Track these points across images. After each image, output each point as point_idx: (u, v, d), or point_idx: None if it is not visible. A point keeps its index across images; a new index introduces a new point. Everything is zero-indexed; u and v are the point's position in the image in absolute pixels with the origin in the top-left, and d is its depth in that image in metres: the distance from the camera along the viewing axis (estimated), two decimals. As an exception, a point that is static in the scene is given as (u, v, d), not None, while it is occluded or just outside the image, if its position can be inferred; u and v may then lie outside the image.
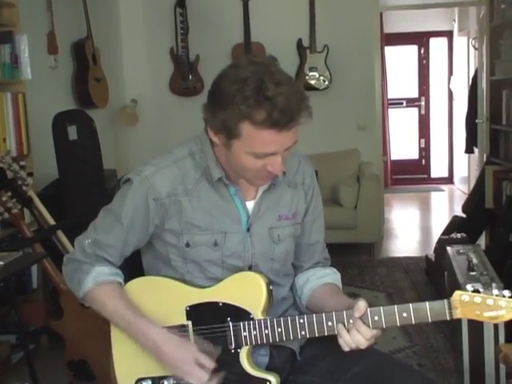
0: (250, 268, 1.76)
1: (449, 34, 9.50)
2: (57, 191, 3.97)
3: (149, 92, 6.34)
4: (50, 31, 4.64)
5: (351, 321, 1.58)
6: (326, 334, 1.62)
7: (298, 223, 1.85)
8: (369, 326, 1.57)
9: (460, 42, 8.80)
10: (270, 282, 1.68)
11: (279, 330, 1.63)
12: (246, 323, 1.64)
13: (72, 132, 3.96)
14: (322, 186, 5.71)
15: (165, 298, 1.72)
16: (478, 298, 1.52)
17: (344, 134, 6.31)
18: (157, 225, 1.73)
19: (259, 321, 1.64)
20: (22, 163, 3.65)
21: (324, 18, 6.14)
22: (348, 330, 1.58)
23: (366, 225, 5.64)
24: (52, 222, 3.47)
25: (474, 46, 6.62)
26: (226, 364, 1.65)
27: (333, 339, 1.71)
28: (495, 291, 1.51)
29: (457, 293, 1.54)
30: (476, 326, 3.05)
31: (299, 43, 6.15)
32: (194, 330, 1.69)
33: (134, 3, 6.32)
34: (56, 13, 4.66)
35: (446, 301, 1.54)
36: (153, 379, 1.70)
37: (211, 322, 1.66)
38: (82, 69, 5.12)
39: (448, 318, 1.54)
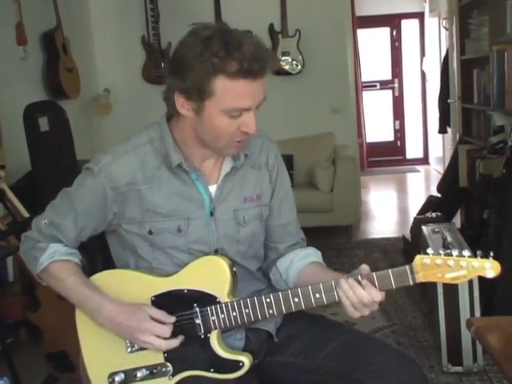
0: (216, 252, 1.74)
1: (420, 16, 9.54)
2: (30, 183, 3.93)
3: (121, 81, 6.29)
4: (19, 22, 4.57)
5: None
6: (293, 310, 1.62)
7: (265, 205, 1.83)
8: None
9: (431, 22, 8.82)
10: (233, 264, 1.67)
11: (246, 311, 1.62)
12: (213, 307, 1.63)
13: (43, 123, 3.93)
14: (298, 170, 5.79)
15: (129, 291, 1.69)
16: (439, 261, 1.52)
17: (318, 117, 6.29)
18: (115, 213, 1.72)
19: (226, 304, 1.63)
20: (-7, 156, 3.62)
21: (295, 2, 6.12)
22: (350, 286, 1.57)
23: (343, 207, 5.65)
24: (26, 214, 3.44)
25: (444, 27, 6.63)
26: (197, 350, 1.65)
27: (308, 319, 1.72)
28: (455, 252, 1.51)
29: (418, 257, 1.54)
30: (452, 302, 3.09)
31: (271, 28, 6.13)
32: None
33: (104, -9, 6.25)
34: (24, 3, 4.59)
35: (407, 266, 1.55)
36: (125, 372, 1.69)
37: (178, 309, 1.65)
38: (53, 59, 5.06)
39: (411, 283, 1.55)
